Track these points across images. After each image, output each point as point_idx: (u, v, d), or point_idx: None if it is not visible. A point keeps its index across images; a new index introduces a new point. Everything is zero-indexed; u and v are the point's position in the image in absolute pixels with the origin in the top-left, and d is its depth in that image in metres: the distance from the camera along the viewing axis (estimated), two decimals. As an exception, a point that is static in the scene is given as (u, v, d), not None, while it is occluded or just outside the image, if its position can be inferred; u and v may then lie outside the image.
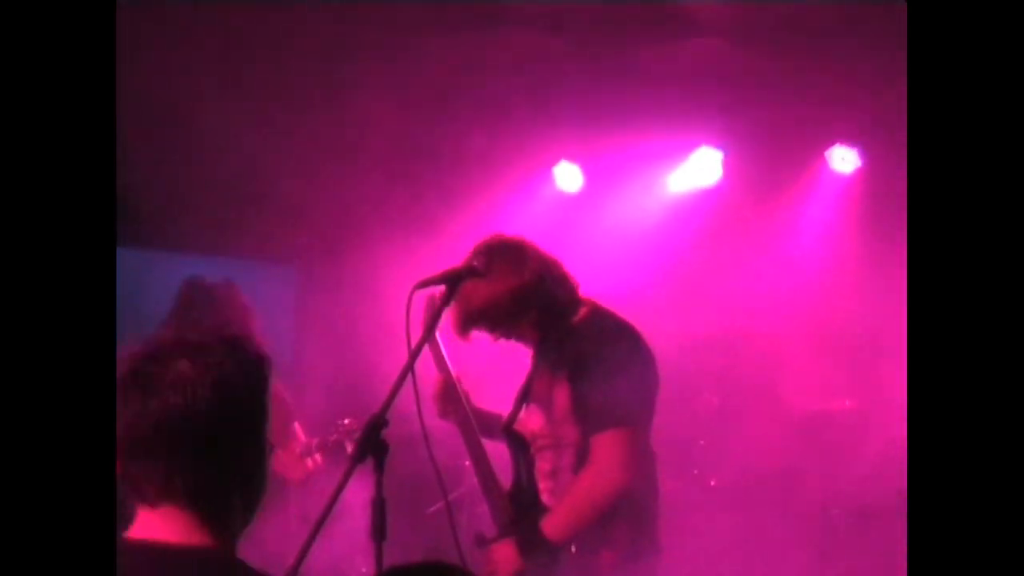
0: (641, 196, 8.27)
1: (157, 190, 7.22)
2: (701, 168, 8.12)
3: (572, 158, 8.54)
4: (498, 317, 4.68)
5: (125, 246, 6.67)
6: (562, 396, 4.62)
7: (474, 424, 4.86)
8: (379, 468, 3.61)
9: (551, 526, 4.54)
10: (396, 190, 8.17)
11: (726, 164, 8.06)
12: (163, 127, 6.93)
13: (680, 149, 8.18)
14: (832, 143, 7.91)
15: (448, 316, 4.59)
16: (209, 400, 2.54)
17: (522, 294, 4.65)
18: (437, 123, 7.93)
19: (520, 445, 4.82)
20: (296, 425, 5.83)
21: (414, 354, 3.89)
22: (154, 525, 2.59)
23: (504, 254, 4.67)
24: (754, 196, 7.89)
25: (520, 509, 4.74)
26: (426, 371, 4.13)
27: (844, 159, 7.89)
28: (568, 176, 8.59)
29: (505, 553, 4.61)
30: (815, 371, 7.30)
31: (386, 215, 7.98)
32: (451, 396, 4.87)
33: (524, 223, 8.50)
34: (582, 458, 4.56)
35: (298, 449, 5.82)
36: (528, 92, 7.73)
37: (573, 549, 4.54)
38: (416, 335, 3.95)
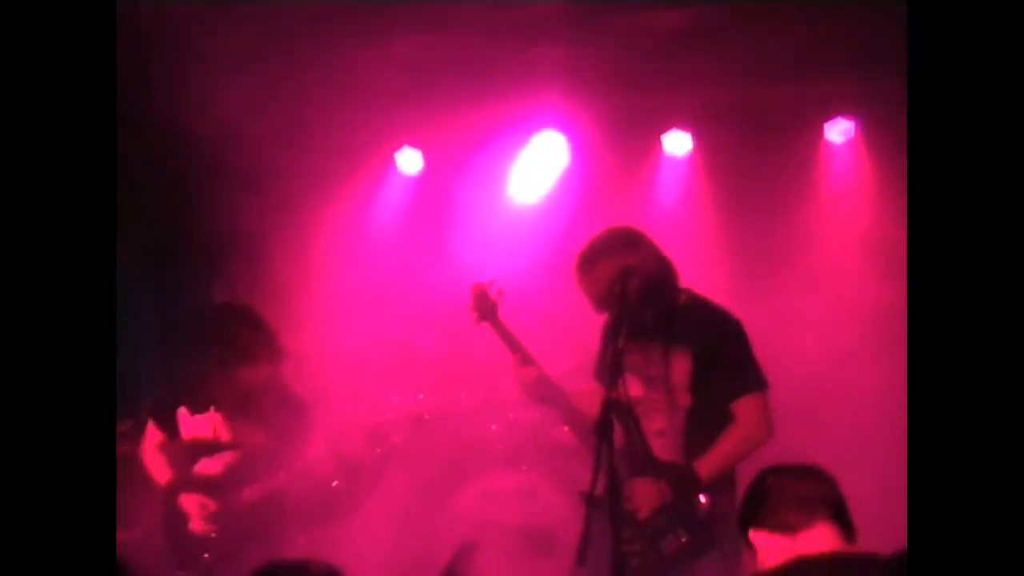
0: (483, 176, 8.62)
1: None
2: (546, 151, 8.52)
3: (414, 143, 8.81)
4: (642, 293, 5.32)
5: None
6: (681, 368, 5.40)
7: (566, 398, 5.67)
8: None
9: (704, 467, 5.36)
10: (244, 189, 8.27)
11: (572, 148, 8.48)
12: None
13: (523, 132, 8.53)
14: (669, 128, 8.42)
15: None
16: None
17: (657, 272, 5.40)
18: (279, 112, 8.00)
19: (626, 411, 5.28)
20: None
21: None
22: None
23: (628, 239, 5.46)
24: (604, 178, 8.33)
25: (635, 463, 5.35)
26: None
27: (678, 143, 8.44)
28: (409, 160, 8.87)
29: (647, 489, 5.34)
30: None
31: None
32: (544, 382, 5.64)
33: (371, 206, 8.82)
34: (696, 420, 5.41)
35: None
36: (370, 77, 7.92)
37: (703, 499, 5.34)
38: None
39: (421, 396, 7.44)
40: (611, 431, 4.79)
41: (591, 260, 5.47)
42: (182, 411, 6.23)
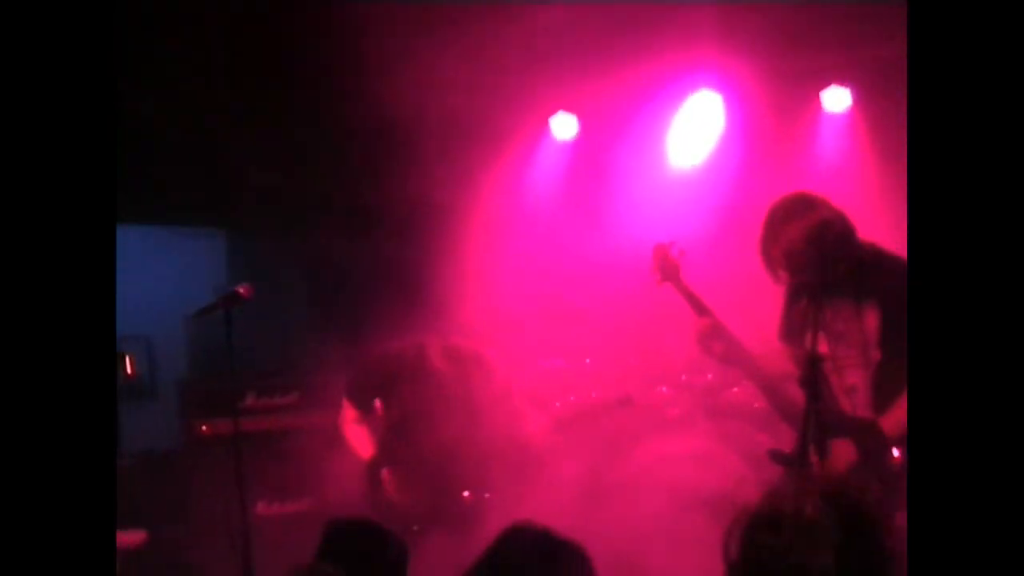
0: (639, 138, 8.62)
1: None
2: (702, 111, 8.48)
3: (568, 108, 8.83)
4: (836, 249, 5.28)
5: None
6: (871, 322, 5.36)
7: (753, 360, 5.63)
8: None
9: (890, 424, 5.28)
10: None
11: (728, 108, 8.42)
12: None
13: (678, 92, 8.49)
14: (827, 85, 8.32)
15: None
16: None
17: (845, 228, 5.34)
18: (436, 83, 8.09)
19: (821, 370, 5.32)
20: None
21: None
22: None
23: (809, 201, 5.37)
24: (762, 137, 8.28)
25: (828, 421, 5.26)
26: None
27: (837, 99, 8.33)
28: (564, 125, 8.88)
29: (840, 453, 5.29)
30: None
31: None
32: (721, 335, 5.60)
33: (526, 172, 8.89)
34: (887, 375, 5.31)
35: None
36: (523, 45, 7.97)
37: (895, 452, 5.27)
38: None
39: (588, 360, 7.49)
40: (817, 387, 4.78)
41: (778, 224, 5.40)
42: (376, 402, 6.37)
